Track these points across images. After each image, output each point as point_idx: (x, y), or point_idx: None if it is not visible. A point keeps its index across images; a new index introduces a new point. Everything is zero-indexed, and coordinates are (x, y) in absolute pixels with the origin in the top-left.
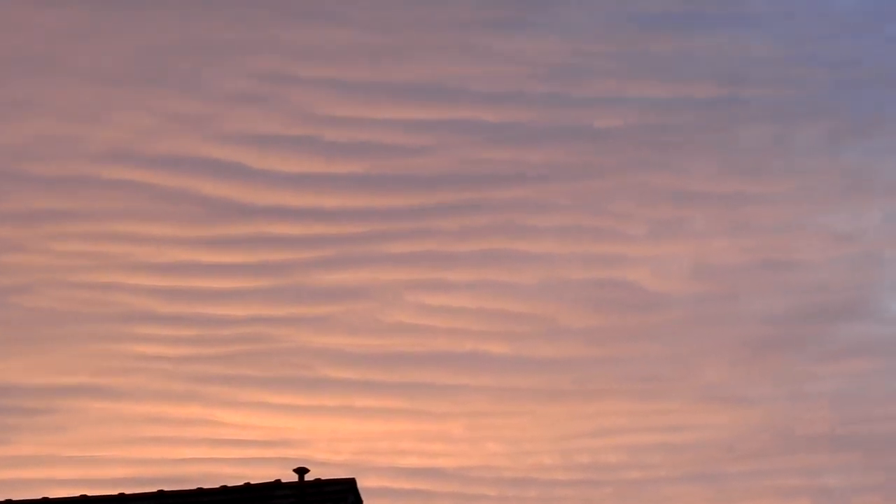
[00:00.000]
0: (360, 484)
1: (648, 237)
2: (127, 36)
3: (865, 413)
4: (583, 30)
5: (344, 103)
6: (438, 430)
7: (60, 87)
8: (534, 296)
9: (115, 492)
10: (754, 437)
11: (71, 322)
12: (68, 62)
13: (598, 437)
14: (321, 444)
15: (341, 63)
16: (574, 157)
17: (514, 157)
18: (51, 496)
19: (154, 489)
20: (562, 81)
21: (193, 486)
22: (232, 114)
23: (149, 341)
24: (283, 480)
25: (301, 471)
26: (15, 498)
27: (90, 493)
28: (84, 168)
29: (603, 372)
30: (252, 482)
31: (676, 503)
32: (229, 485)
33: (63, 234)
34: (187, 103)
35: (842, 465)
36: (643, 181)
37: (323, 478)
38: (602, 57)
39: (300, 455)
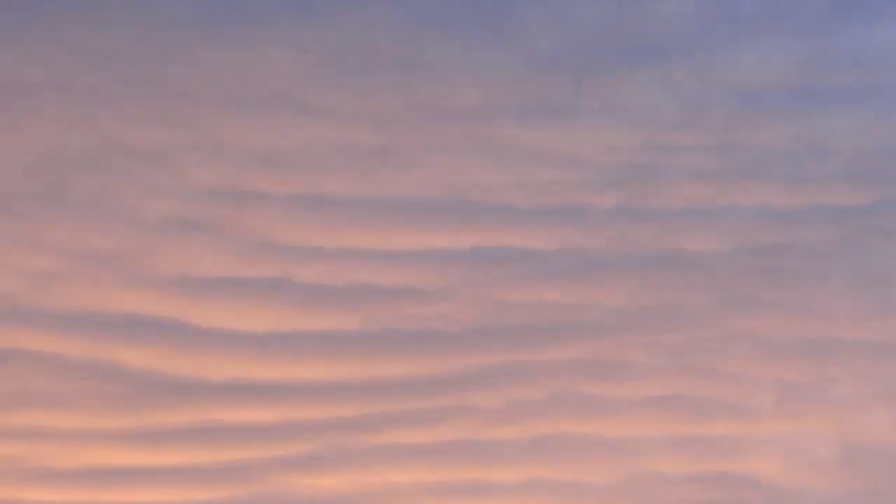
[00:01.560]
0: None
1: (775, 409)
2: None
3: None
4: (658, 114)
5: (323, 229)
6: None
7: None
8: (610, 500)
9: None
10: None
11: None
12: None
13: None
14: None
15: (317, 172)
16: (656, 294)
17: (571, 296)
18: None
19: None
20: (630, 188)
21: None
22: (165, 248)
23: None
24: None
25: None
26: None
27: None
28: None
29: None
30: None
31: None
32: None
33: None
34: (99, 236)
35: None
36: (757, 325)
37: None
38: (686, 151)
39: None
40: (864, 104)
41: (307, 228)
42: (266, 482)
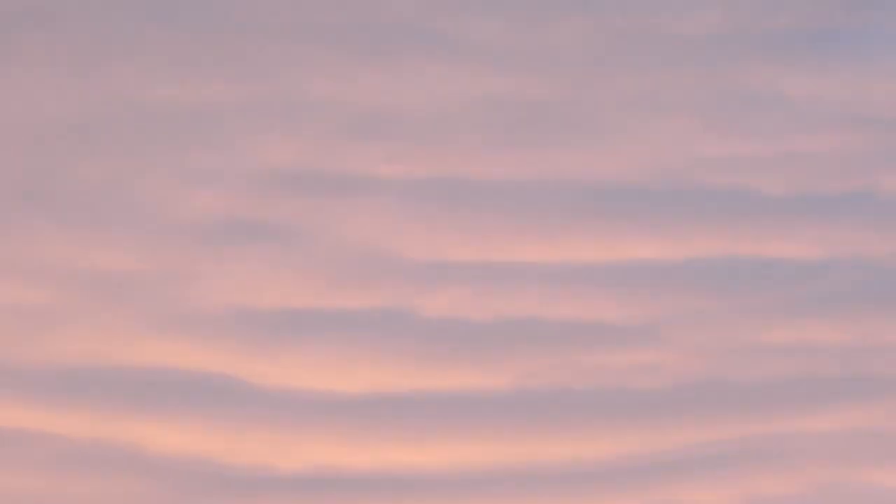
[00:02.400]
0: None
1: None
2: None
3: None
4: None
5: (458, 233)
6: None
7: None
8: None
9: None
10: None
11: None
12: None
13: None
14: None
15: (449, 145)
16: None
17: (850, 335)
18: None
19: None
20: None
21: None
22: (210, 267)
23: None
24: None
25: None
26: None
27: None
28: None
29: None
30: None
31: None
32: None
33: None
34: (110, 251)
35: None
36: None
37: None
38: None
39: None
40: None
41: (433, 233)
42: None
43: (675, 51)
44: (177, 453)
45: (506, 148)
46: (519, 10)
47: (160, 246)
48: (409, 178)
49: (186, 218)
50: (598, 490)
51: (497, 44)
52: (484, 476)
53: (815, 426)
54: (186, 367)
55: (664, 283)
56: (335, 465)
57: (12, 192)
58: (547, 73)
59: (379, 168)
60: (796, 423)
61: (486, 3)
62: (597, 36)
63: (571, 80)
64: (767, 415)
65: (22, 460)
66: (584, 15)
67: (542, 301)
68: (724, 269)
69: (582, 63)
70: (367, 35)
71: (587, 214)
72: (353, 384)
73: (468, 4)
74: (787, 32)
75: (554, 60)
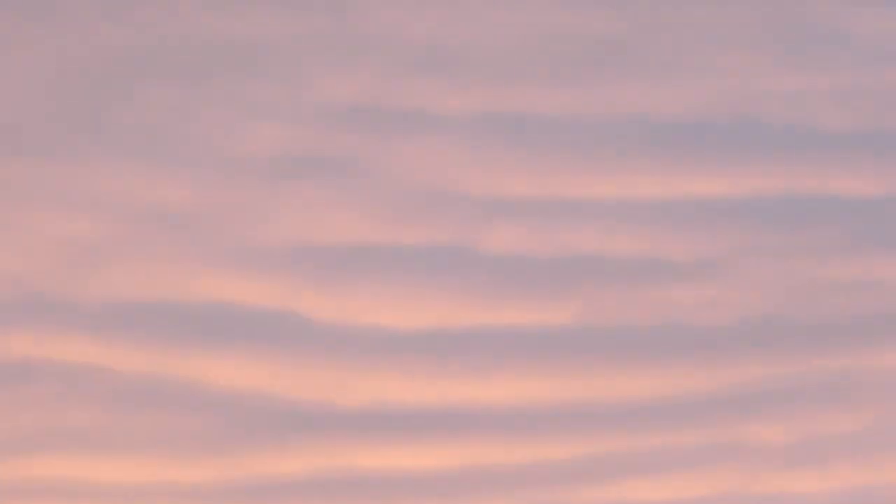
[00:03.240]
0: None
1: None
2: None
3: None
4: None
5: (521, 168)
6: None
7: None
8: None
9: None
10: None
11: None
12: None
13: None
14: None
15: (513, 79)
16: None
17: None
18: None
19: None
20: None
21: None
22: (269, 201)
23: None
24: None
25: None
26: None
27: None
28: None
29: None
30: None
31: None
32: None
33: None
34: (165, 185)
35: None
36: None
37: None
38: None
39: None
40: None
41: (495, 168)
42: None
43: None
44: (236, 389)
45: (568, 83)
46: None
47: (220, 180)
48: (471, 113)
49: (247, 152)
50: (660, 426)
51: None
52: (546, 411)
53: (880, 362)
54: (246, 302)
55: (726, 219)
56: (397, 401)
57: (71, 125)
58: (610, 7)
59: (441, 103)
60: (860, 359)
61: None
62: None
63: (634, 15)
64: (831, 351)
65: (80, 396)
66: None
67: (604, 237)
68: (785, 205)
69: None
70: None
71: (649, 150)
72: (415, 320)
73: None
74: None
75: None
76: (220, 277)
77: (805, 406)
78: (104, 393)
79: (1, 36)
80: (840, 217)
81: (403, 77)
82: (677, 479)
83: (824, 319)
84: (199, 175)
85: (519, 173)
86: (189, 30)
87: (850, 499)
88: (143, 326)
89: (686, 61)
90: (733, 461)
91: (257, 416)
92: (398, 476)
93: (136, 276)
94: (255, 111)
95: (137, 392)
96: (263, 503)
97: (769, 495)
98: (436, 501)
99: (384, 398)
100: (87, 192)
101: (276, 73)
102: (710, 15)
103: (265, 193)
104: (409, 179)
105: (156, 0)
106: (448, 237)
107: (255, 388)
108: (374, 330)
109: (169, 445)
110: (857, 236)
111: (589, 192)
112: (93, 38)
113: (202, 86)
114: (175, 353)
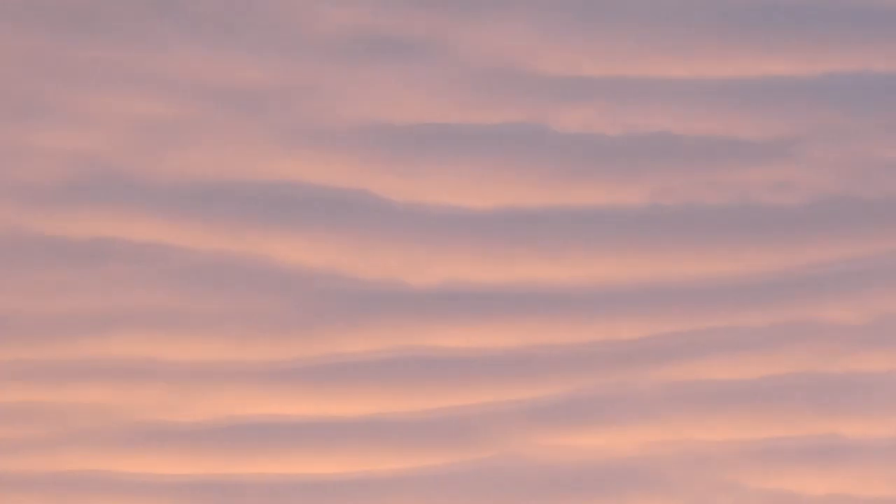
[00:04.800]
0: None
1: None
2: None
3: None
4: None
5: (593, 47)
6: None
7: None
8: None
9: None
10: None
11: None
12: None
13: None
14: None
15: None
16: None
17: None
18: None
19: None
20: None
21: None
22: (344, 81)
23: None
24: None
25: None
26: None
27: None
28: None
29: None
30: None
31: None
32: None
33: None
34: (240, 63)
35: None
36: None
37: None
38: None
39: None
40: None
41: (568, 48)
42: (498, 442)
43: None
44: (307, 269)
45: None
46: None
47: (293, 61)
48: None
49: (320, 32)
50: (731, 307)
51: None
52: (617, 292)
53: None
54: (318, 182)
55: (799, 99)
56: (467, 281)
57: (147, 8)
58: None
59: None
60: None
61: None
62: None
63: None
64: None
65: (151, 276)
66: None
67: (676, 117)
68: (859, 85)
69: None
70: None
71: (722, 29)
72: (486, 200)
73: None
74: None
75: None
76: (292, 157)
77: (878, 287)
78: (175, 273)
79: None
80: None
81: None
82: (748, 359)
83: (894, 200)
84: (272, 56)
85: (590, 54)
86: None
87: None
88: (214, 206)
89: None
90: (805, 342)
91: (328, 297)
92: (468, 356)
93: (209, 157)
94: None
95: (208, 272)
96: (333, 383)
97: (841, 375)
98: (506, 380)
99: (455, 278)
100: (163, 73)
101: None
102: None
103: (338, 74)
104: (481, 60)
105: None
106: (520, 117)
107: (326, 268)
108: (445, 210)
109: (239, 325)
110: None
111: (660, 72)
112: None
113: None
114: (246, 233)
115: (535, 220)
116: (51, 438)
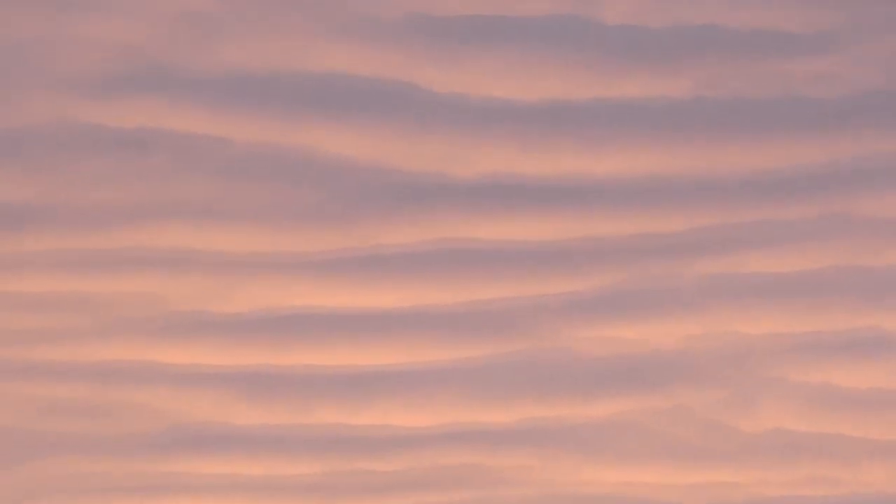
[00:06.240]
0: None
1: None
2: None
3: None
4: None
5: None
6: None
7: None
8: None
9: None
10: None
11: None
12: None
13: None
14: None
15: None
16: None
17: None
18: None
19: None
20: None
21: None
22: None
23: None
24: None
25: None
26: None
27: None
28: None
29: None
30: None
31: None
32: None
33: None
34: None
35: None
36: None
37: None
38: None
39: None
40: None
41: None
42: (538, 334)
43: None
44: (350, 160)
45: None
46: None
47: None
48: None
49: None
50: (773, 199)
51: None
52: (661, 184)
53: None
54: (362, 73)
55: None
56: (513, 173)
57: None
58: None
59: None
60: None
61: None
62: None
63: None
64: None
65: (194, 166)
66: None
67: (722, 8)
68: None
69: None
70: None
71: None
72: (532, 92)
73: None
74: None
75: None
76: (336, 49)
77: None
78: (218, 163)
79: None
80: None
81: None
82: (789, 252)
83: None
84: None
85: None
86: None
87: None
88: (258, 98)
89: None
90: (845, 234)
91: (370, 188)
92: (510, 248)
93: (253, 48)
94: None
95: (251, 163)
96: (374, 275)
97: (883, 269)
98: (548, 272)
99: (498, 170)
100: None
101: None
102: None
103: None
104: None
105: None
106: (565, 8)
107: (370, 158)
108: (490, 101)
109: (282, 215)
110: None
111: None
112: None
113: None
114: (290, 124)
115: (578, 112)
116: (94, 328)
